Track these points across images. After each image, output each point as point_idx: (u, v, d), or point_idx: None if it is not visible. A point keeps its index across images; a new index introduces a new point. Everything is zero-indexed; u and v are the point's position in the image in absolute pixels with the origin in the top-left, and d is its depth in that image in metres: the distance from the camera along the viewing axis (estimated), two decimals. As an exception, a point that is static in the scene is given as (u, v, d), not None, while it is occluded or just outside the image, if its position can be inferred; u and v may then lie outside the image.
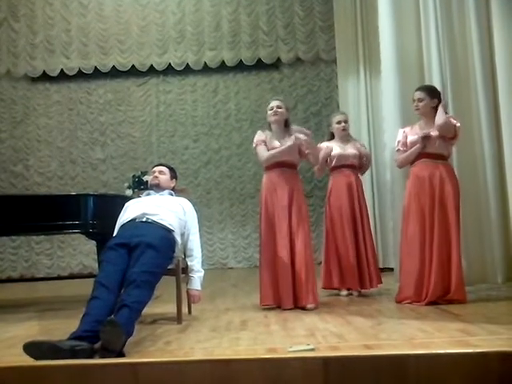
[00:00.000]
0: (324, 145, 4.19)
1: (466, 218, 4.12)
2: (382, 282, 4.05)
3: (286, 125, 3.67)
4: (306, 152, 3.61)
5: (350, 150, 4.13)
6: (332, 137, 4.24)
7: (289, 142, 3.54)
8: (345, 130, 4.15)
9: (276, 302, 3.45)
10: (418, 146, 3.50)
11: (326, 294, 4.02)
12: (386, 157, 4.43)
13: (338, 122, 4.16)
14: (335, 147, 4.14)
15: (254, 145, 3.68)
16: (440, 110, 3.43)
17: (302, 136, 3.56)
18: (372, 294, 4.00)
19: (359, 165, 4.19)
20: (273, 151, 3.56)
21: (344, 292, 4.02)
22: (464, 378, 1.73)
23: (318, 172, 4.26)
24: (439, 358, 1.76)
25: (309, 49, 8.28)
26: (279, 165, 3.58)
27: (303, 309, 3.31)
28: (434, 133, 3.47)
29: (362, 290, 3.99)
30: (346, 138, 4.21)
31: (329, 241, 4.06)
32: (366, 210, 4.15)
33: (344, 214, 4.00)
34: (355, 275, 3.92)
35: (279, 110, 3.62)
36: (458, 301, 3.27)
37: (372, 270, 3.98)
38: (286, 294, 3.37)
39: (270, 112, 3.65)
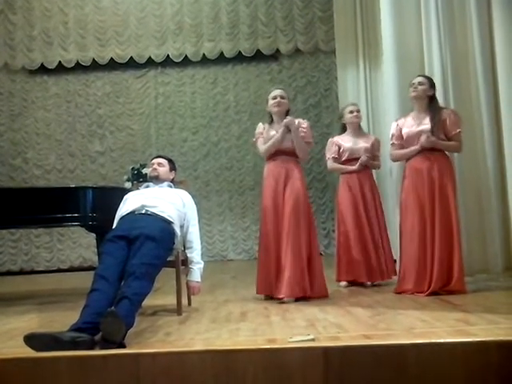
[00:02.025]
0: (332, 141, 4.24)
1: (466, 208, 4.13)
2: (396, 274, 3.91)
3: (287, 115, 3.62)
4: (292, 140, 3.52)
5: (362, 143, 4.13)
6: (344, 130, 4.24)
7: (280, 129, 3.52)
8: (358, 117, 4.17)
9: (268, 292, 3.45)
10: (416, 148, 3.50)
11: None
12: (387, 148, 4.42)
13: (351, 112, 4.17)
14: (347, 141, 4.16)
15: (254, 139, 3.72)
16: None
17: (294, 123, 3.53)
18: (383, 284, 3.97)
19: (372, 158, 4.17)
20: (268, 143, 3.56)
21: (343, 283, 4.03)
22: (463, 366, 1.74)
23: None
24: (439, 347, 1.77)
25: (308, 39, 8.24)
26: (278, 153, 3.56)
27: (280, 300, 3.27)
28: (427, 126, 3.46)
29: (370, 282, 3.96)
30: (359, 129, 4.23)
31: (339, 233, 4.08)
32: (379, 204, 4.13)
33: (355, 208, 4.01)
34: (362, 268, 3.91)
35: (283, 100, 3.60)
36: (458, 291, 3.28)
37: (386, 262, 3.98)
38: (274, 283, 3.36)
39: (272, 101, 3.61)
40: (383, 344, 1.85)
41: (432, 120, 3.47)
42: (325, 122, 8.22)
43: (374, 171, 4.41)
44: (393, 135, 3.68)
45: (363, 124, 6.35)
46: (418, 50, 4.45)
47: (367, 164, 4.12)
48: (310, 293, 3.34)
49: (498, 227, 4.30)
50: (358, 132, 4.23)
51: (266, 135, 3.60)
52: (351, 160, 4.13)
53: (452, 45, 4.34)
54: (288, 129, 3.50)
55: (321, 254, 4.14)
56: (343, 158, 4.17)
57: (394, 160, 3.82)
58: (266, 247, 3.48)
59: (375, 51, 6.18)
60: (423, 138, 3.44)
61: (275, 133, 3.55)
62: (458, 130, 3.51)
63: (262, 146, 3.60)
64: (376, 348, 1.80)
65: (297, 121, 3.59)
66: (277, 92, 3.62)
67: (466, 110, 4.21)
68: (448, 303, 2.97)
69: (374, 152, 4.19)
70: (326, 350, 1.76)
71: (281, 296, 3.28)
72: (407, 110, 3.87)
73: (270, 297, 3.43)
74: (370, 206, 4.06)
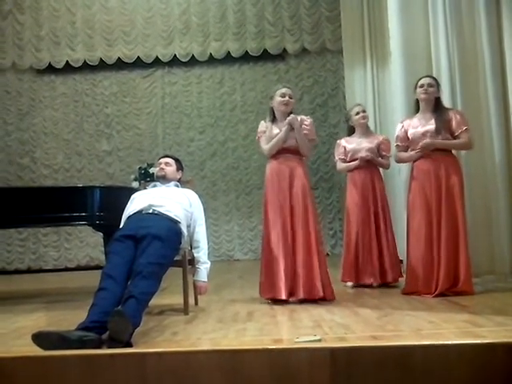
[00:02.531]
0: (339, 142, 4.28)
1: (473, 209, 4.10)
2: (402, 276, 3.91)
3: (290, 114, 3.53)
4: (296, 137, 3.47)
5: (365, 143, 4.13)
6: (352, 132, 4.25)
7: (283, 128, 3.46)
8: (365, 118, 4.19)
9: (272, 293, 3.31)
10: (417, 153, 3.50)
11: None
12: (395, 148, 4.43)
13: (357, 113, 4.17)
14: (352, 142, 4.18)
15: (257, 138, 3.66)
16: None
17: (297, 120, 3.47)
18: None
19: (376, 156, 4.14)
20: (271, 142, 3.49)
21: (349, 283, 4.02)
22: (470, 368, 1.73)
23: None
24: (446, 348, 1.76)
25: (315, 39, 8.23)
26: (281, 151, 3.50)
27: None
28: (433, 126, 3.45)
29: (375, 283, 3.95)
30: (367, 129, 4.26)
31: (347, 233, 4.09)
32: (384, 204, 4.11)
33: (360, 209, 4.01)
34: (352, 268, 3.94)
35: (291, 100, 3.54)
36: (465, 292, 3.26)
37: (390, 264, 3.95)
38: (281, 284, 3.25)
39: (280, 99, 3.51)
40: (390, 345, 1.84)
41: (438, 121, 3.46)
42: (332, 121, 8.20)
43: (382, 171, 4.39)
44: (397, 137, 3.69)
45: (370, 123, 6.37)
46: (426, 48, 4.43)
47: (372, 160, 4.10)
48: (322, 295, 3.25)
49: (506, 227, 4.27)
50: (366, 132, 4.23)
51: (269, 134, 3.52)
52: (354, 160, 4.15)
53: (460, 43, 4.31)
54: (291, 127, 3.46)
55: (327, 254, 4.13)
56: (348, 159, 4.19)
57: (398, 162, 3.84)
58: (270, 246, 3.39)
59: (382, 50, 6.16)
60: (422, 142, 3.44)
61: (278, 131, 3.49)
62: (464, 128, 3.48)
63: (266, 146, 3.54)
64: (383, 349, 1.79)
65: (299, 118, 3.53)
66: (285, 90, 3.54)
67: (473, 109, 4.19)
68: (455, 304, 2.95)
69: (380, 152, 4.18)
70: (333, 351, 1.76)
71: (299, 298, 3.24)
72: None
73: (273, 299, 3.30)
74: (371, 205, 4.04)
